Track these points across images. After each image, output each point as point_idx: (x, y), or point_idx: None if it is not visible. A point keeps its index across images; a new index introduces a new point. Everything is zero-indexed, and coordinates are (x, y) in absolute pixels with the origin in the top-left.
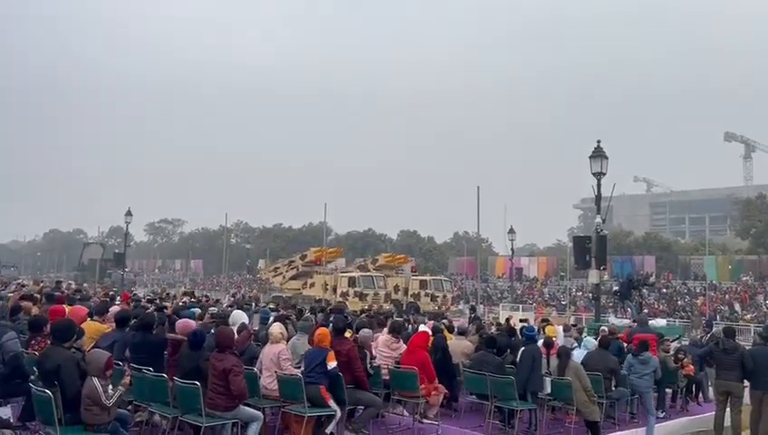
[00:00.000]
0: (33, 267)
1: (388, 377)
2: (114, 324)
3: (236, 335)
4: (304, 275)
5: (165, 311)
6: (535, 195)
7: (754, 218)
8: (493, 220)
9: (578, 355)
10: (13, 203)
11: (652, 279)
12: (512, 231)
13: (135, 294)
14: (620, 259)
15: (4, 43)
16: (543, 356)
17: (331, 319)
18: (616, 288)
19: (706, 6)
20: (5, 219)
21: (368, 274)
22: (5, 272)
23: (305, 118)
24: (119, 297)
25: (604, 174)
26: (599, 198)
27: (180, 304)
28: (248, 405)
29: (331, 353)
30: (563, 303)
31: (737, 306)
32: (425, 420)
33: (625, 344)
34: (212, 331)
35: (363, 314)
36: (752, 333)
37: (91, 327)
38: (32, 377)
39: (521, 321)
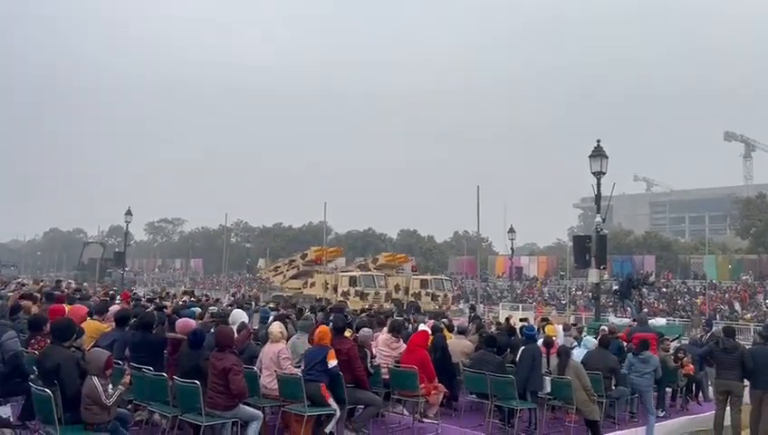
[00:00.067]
0: (33, 267)
1: (387, 376)
2: (114, 324)
3: (236, 335)
4: (305, 274)
5: (165, 310)
6: (535, 194)
7: (754, 218)
8: (493, 219)
9: (578, 354)
10: (13, 202)
11: (652, 278)
12: (512, 230)
13: (135, 294)
14: (620, 258)
15: (4, 43)
16: (543, 355)
17: (331, 318)
18: (616, 287)
19: (706, 6)
20: (5, 219)
21: (368, 273)
22: (5, 271)
23: (305, 118)
24: (118, 297)
25: (604, 173)
26: (598, 197)
27: (180, 303)
28: (248, 404)
29: (332, 352)
30: (563, 302)
31: (737, 306)
32: (425, 420)
33: (625, 344)
34: (212, 330)
35: (363, 314)
36: (751, 333)
37: (91, 326)
38: (31, 376)
39: (521, 320)
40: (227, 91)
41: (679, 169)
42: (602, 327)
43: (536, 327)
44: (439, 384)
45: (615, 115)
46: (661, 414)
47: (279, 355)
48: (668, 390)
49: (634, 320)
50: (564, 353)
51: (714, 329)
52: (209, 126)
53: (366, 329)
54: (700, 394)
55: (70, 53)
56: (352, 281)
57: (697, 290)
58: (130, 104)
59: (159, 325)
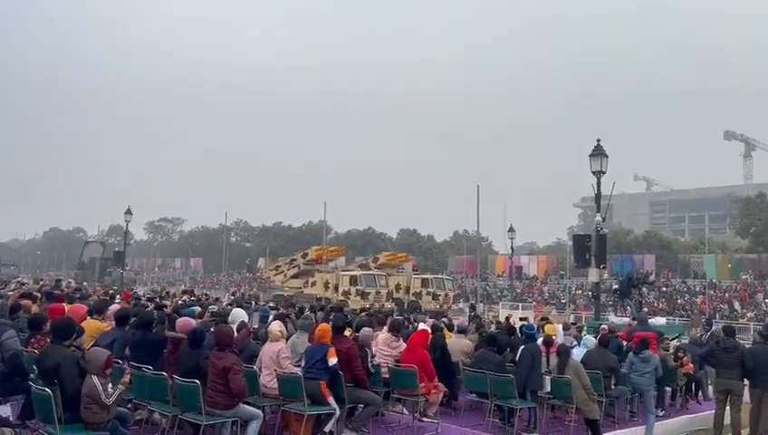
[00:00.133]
0: (32, 266)
1: (387, 375)
2: (114, 323)
3: (236, 334)
4: (306, 273)
5: (165, 309)
6: (535, 194)
7: (754, 217)
8: (493, 219)
9: (577, 354)
10: (13, 202)
11: (652, 278)
12: (512, 230)
13: (135, 293)
14: (620, 258)
15: (4, 43)
16: (543, 355)
17: (331, 318)
18: (616, 287)
19: (706, 6)
20: (5, 218)
21: (369, 272)
22: (5, 270)
23: (305, 118)
24: (118, 296)
25: (604, 172)
26: (598, 196)
27: (180, 302)
28: (248, 403)
29: (332, 350)
30: (563, 301)
31: (737, 305)
32: (424, 419)
33: (624, 343)
34: (211, 329)
35: (363, 313)
36: (751, 332)
37: (91, 326)
38: (31, 375)
39: (520, 319)
40: (227, 91)
41: (679, 168)
42: (602, 326)
43: (536, 326)
44: (439, 383)
45: (615, 115)
46: (661, 413)
47: (279, 354)
48: (668, 389)
49: (634, 319)
50: (564, 353)
51: (713, 328)
52: (209, 126)
53: (366, 329)
54: (700, 393)
55: (70, 53)
56: (353, 280)
57: (697, 289)
58: (130, 104)
59: (159, 324)
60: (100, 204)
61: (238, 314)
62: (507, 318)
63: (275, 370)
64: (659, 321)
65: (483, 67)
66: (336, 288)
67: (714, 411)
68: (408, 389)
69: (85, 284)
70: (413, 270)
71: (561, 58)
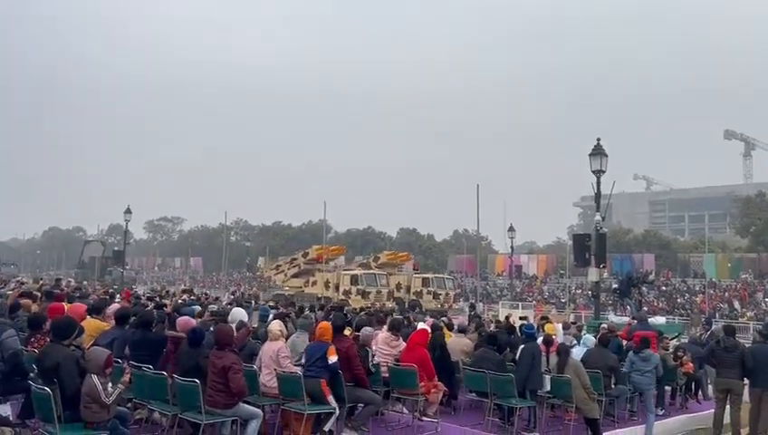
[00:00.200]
0: (32, 265)
1: (387, 375)
2: (114, 322)
3: (235, 333)
4: (306, 272)
5: (164, 309)
6: (535, 193)
7: (754, 216)
8: (492, 218)
9: (577, 353)
10: (12, 201)
11: (651, 277)
12: (511, 229)
13: (135, 292)
14: (620, 257)
15: (4, 43)
16: (543, 354)
17: (331, 317)
18: (615, 286)
19: (706, 6)
20: (5, 217)
21: (370, 271)
22: (5, 270)
23: (305, 118)
24: (118, 295)
25: (604, 172)
26: (598, 195)
27: (180, 301)
28: (248, 403)
29: (332, 348)
30: (563, 300)
31: (737, 304)
32: (424, 418)
33: (624, 342)
34: (211, 328)
35: (362, 312)
36: (751, 331)
37: (91, 325)
38: (31, 375)
39: (520, 319)
40: (227, 91)
41: (679, 167)
42: (602, 326)
43: (536, 326)
44: (439, 383)
45: (615, 115)
46: (661, 413)
47: (278, 354)
48: (668, 388)
49: (633, 318)
50: (564, 352)
51: (713, 327)
52: (209, 126)
53: (368, 328)
54: (699, 393)
55: (70, 53)
56: (354, 280)
57: (697, 289)
58: (130, 104)
59: (159, 324)
60: (100, 203)
61: (238, 314)
62: (507, 317)
63: (275, 369)
64: (659, 320)
65: (483, 67)
66: (337, 287)
67: (713, 411)
68: (407, 388)
69: (85, 283)
70: (414, 269)
71: (561, 58)
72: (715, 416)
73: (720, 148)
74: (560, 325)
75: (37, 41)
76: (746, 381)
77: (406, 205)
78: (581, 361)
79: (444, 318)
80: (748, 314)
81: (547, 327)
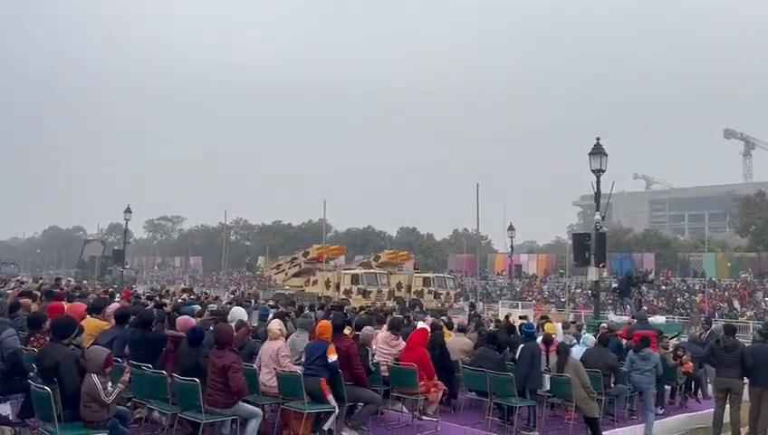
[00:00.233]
0: (32, 264)
1: (387, 374)
2: (114, 321)
3: (234, 332)
4: (307, 272)
5: (164, 308)
6: (535, 192)
7: (754, 216)
8: (492, 217)
9: (577, 352)
10: (12, 200)
11: (651, 276)
12: (511, 228)
13: (135, 291)
14: (620, 256)
15: (4, 43)
16: (543, 353)
17: (331, 316)
18: (615, 285)
19: (706, 6)
20: (5, 217)
21: (371, 271)
22: (5, 269)
23: (305, 118)
24: (118, 294)
25: (603, 171)
26: (598, 195)
27: (179, 301)
28: (247, 402)
29: (332, 347)
30: (563, 300)
31: (736, 303)
32: (424, 417)
33: (624, 341)
34: (211, 328)
35: (362, 311)
36: (750, 331)
37: (91, 324)
38: (31, 374)
39: (520, 318)
40: (227, 91)
41: (679, 166)
42: (602, 325)
43: (535, 325)
44: (438, 382)
45: (615, 115)
46: (660, 412)
47: (278, 353)
48: (667, 387)
49: (633, 317)
50: (563, 351)
51: (713, 327)
52: (209, 126)
53: (368, 328)
54: (699, 392)
55: (70, 53)
56: (355, 279)
57: (697, 288)
58: (130, 104)
59: (159, 323)
60: (100, 203)
61: (237, 313)
62: (507, 317)
63: (275, 368)
64: (659, 319)
65: (483, 67)
66: (337, 287)
67: (713, 410)
68: (407, 387)
69: (85, 282)
70: (414, 269)
71: (561, 58)
72: (714, 415)
73: (720, 147)
74: (559, 325)
75: (37, 41)
76: (746, 380)
77: (406, 204)
78: (581, 360)
79: (443, 317)
80: (748, 313)
81: (547, 326)
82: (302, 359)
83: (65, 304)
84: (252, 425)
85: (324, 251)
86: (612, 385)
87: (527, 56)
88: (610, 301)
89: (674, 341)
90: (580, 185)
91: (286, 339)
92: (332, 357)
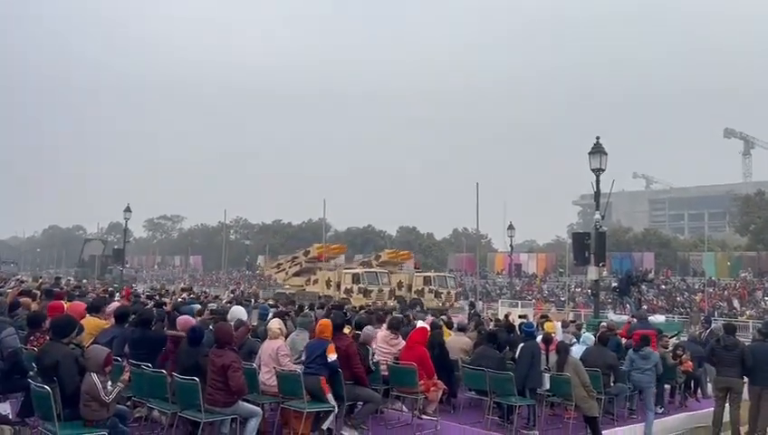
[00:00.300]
0: (32, 263)
1: (386, 373)
2: (113, 320)
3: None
4: (308, 271)
5: (164, 307)
6: (535, 192)
7: (753, 215)
8: (492, 217)
9: (577, 351)
10: (12, 200)
11: (651, 275)
12: (511, 227)
13: (135, 290)
14: (619, 255)
15: (4, 43)
16: (542, 352)
17: (331, 315)
18: (615, 284)
19: (706, 6)
20: (5, 216)
21: (372, 270)
22: (5, 268)
23: (305, 118)
24: (117, 294)
25: (603, 170)
26: (598, 194)
27: (179, 300)
28: (247, 401)
29: (332, 346)
30: (562, 299)
31: (736, 303)
32: (424, 416)
33: (624, 340)
34: (210, 327)
35: (362, 311)
36: (750, 330)
37: (91, 323)
38: (31, 373)
39: (520, 317)
40: (227, 91)
41: (678, 166)
42: (601, 324)
43: (535, 324)
44: (438, 381)
45: (615, 115)
46: (660, 411)
47: (278, 352)
48: (667, 386)
49: (633, 316)
50: (563, 350)
51: (713, 326)
52: (209, 126)
53: (369, 327)
54: (699, 391)
55: (70, 53)
56: (356, 278)
57: (696, 287)
58: (130, 104)
59: (159, 322)
60: (100, 202)
61: (237, 312)
62: (506, 316)
63: (274, 367)
64: (658, 318)
65: (483, 67)
66: (338, 286)
67: (713, 409)
68: (407, 386)
69: (85, 281)
70: (415, 268)
71: (561, 58)
72: (714, 414)
73: (720, 146)
74: (559, 324)
75: (37, 41)
76: (746, 379)
77: (406, 204)
78: (581, 359)
79: (443, 316)
80: (748, 312)
81: (546, 326)
82: (303, 358)
83: (65, 304)
84: (251, 424)
85: (325, 250)
86: (612, 384)
87: (527, 56)
88: (610, 300)
89: (673, 340)
90: (579, 184)
91: (286, 338)
92: (332, 356)
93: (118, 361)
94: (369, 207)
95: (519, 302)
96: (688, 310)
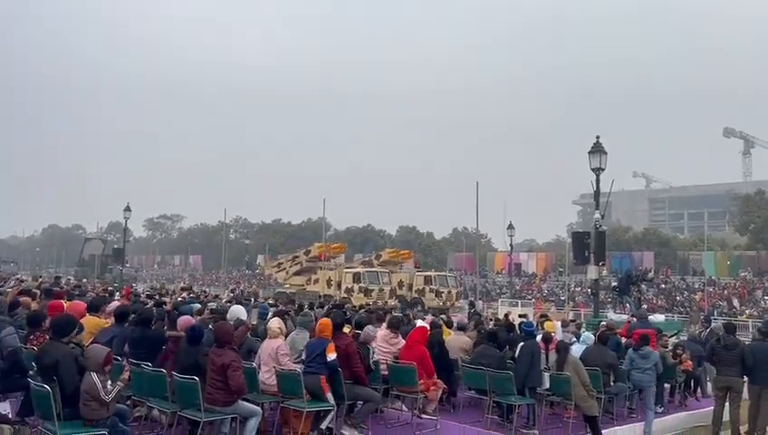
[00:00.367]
0: (32, 263)
1: (386, 372)
2: (113, 320)
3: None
4: (308, 270)
5: (164, 306)
6: (534, 191)
7: (753, 214)
8: (492, 216)
9: (576, 350)
10: (12, 199)
11: (651, 275)
12: (511, 227)
13: (135, 290)
14: (619, 255)
15: (4, 43)
16: (542, 352)
17: (331, 314)
18: (615, 284)
19: (706, 6)
20: (5, 215)
21: (372, 269)
22: (5, 267)
23: (305, 118)
24: (117, 293)
25: (603, 169)
26: (597, 193)
27: (179, 299)
28: (247, 400)
29: (331, 345)
30: (562, 298)
31: (736, 302)
32: (423, 415)
33: (623, 339)
34: (210, 326)
35: (362, 310)
36: (750, 329)
37: (90, 322)
38: (30, 372)
39: (519, 316)
40: (227, 91)
41: (678, 165)
42: (601, 323)
43: (535, 323)
44: (438, 380)
45: (615, 115)
46: (660, 410)
47: (278, 351)
48: (667, 386)
49: (633, 316)
50: (563, 349)
51: (712, 325)
52: (209, 126)
53: (369, 327)
54: (699, 390)
55: (70, 53)
56: (356, 277)
57: (696, 286)
58: (130, 104)
59: (158, 321)
60: (99, 201)
61: (236, 312)
62: (506, 315)
63: (274, 367)
64: (658, 318)
65: (483, 67)
66: (339, 285)
67: (712, 408)
68: (406, 385)
69: (84, 280)
70: (415, 267)
71: (561, 58)
72: (714, 413)
73: (719, 146)
74: (559, 323)
75: (37, 41)
76: (746, 378)
77: (405, 203)
78: (580, 358)
79: (443, 316)
80: (747, 311)
81: (546, 325)
82: (302, 357)
83: (65, 303)
84: (251, 423)
85: (326, 249)
86: (612, 383)
87: (527, 56)
88: (610, 299)
89: (673, 339)
90: (579, 183)
91: (286, 337)
92: (331, 356)
93: (117, 360)
94: (369, 207)
95: (519, 301)
96: (688, 309)
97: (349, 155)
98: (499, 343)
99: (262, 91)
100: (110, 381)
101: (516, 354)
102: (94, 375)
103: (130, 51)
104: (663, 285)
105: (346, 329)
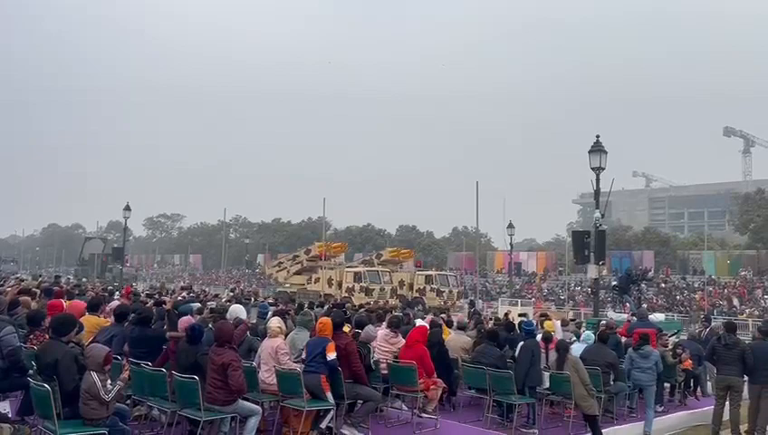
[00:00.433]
0: (31, 262)
1: (386, 371)
2: (113, 319)
3: None
4: (309, 269)
5: (164, 306)
6: (534, 190)
7: (753, 213)
8: (492, 215)
9: (576, 350)
10: (12, 198)
11: (651, 274)
12: (511, 226)
13: (135, 289)
14: (619, 254)
15: (3, 42)
16: (542, 351)
17: (331, 314)
18: (615, 283)
19: (706, 6)
20: (5, 214)
21: (373, 269)
22: (4, 266)
23: (305, 118)
24: (117, 292)
25: (603, 169)
26: (597, 192)
27: (179, 298)
28: (247, 399)
29: (331, 344)
30: (562, 297)
31: (735, 301)
32: (423, 415)
33: (623, 339)
34: (209, 325)
35: (362, 309)
36: (749, 329)
37: (90, 322)
38: (30, 371)
39: (519, 316)
40: (227, 91)
41: (678, 164)
42: (601, 322)
43: (535, 323)
44: (438, 379)
45: (615, 115)
46: (660, 409)
47: (277, 350)
48: (667, 385)
49: (633, 315)
50: (563, 349)
51: (712, 325)
52: (209, 126)
53: (370, 326)
54: (699, 389)
55: (70, 53)
56: (357, 277)
57: (696, 286)
58: (130, 104)
59: (158, 321)
60: (99, 201)
61: (236, 311)
62: (506, 314)
63: (274, 366)
64: (658, 317)
65: (483, 67)
66: (340, 285)
67: (712, 407)
68: (406, 385)
69: (84, 280)
70: (416, 266)
71: (561, 58)
72: (714, 412)
73: (719, 145)
74: (559, 322)
75: (36, 41)
76: (746, 377)
77: (405, 203)
78: (581, 357)
79: (443, 315)
80: (747, 310)
81: (546, 324)
82: (302, 356)
83: (65, 302)
84: (251, 422)
85: (326, 249)
86: (612, 383)
87: (527, 57)
88: (610, 298)
89: (673, 338)
90: (579, 183)
91: (286, 337)
92: (331, 355)
93: (117, 359)
94: (369, 207)
95: (519, 300)
96: (688, 308)
97: (349, 155)
98: (499, 342)
99: (262, 90)
100: (109, 381)
101: (516, 354)
102: (94, 374)
103: (131, 51)
104: (663, 285)
105: (346, 328)
